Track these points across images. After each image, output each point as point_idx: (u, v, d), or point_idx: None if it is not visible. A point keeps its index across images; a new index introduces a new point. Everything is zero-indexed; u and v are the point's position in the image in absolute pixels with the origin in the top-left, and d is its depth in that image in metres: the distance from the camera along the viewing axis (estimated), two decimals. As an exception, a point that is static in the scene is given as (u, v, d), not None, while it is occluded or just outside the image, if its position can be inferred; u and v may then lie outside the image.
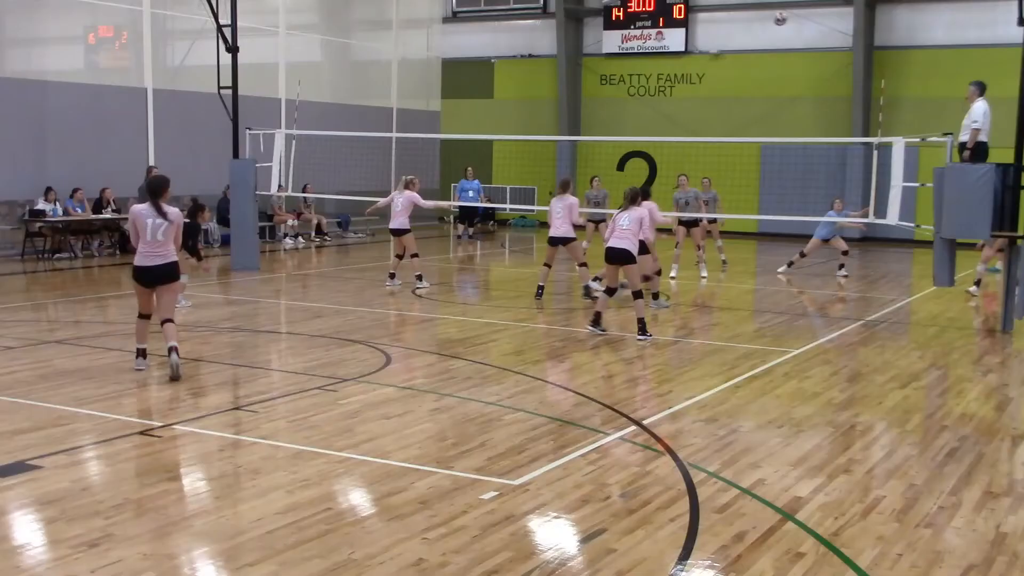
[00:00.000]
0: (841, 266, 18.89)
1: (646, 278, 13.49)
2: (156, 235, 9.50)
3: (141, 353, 9.89)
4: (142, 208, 9.59)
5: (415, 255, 16.08)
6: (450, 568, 5.29)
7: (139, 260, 9.57)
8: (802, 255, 18.95)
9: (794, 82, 27.70)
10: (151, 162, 20.77)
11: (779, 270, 19.21)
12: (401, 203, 16.05)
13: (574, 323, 13.33)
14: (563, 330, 12.69)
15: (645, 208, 12.37)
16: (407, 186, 16.29)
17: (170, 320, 9.63)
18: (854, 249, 25.32)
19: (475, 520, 5.96)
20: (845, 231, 19.45)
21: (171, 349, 9.45)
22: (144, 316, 9.87)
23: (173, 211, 9.64)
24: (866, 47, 26.45)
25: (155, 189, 9.65)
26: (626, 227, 11.85)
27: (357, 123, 24.74)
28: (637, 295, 12.02)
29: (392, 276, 16.25)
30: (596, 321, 12.03)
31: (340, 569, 5.26)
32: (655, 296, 14.40)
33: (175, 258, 9.67)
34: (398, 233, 16.11)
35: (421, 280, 15.94)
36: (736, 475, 6.93)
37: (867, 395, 9.57)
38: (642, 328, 11.90)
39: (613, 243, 11.89)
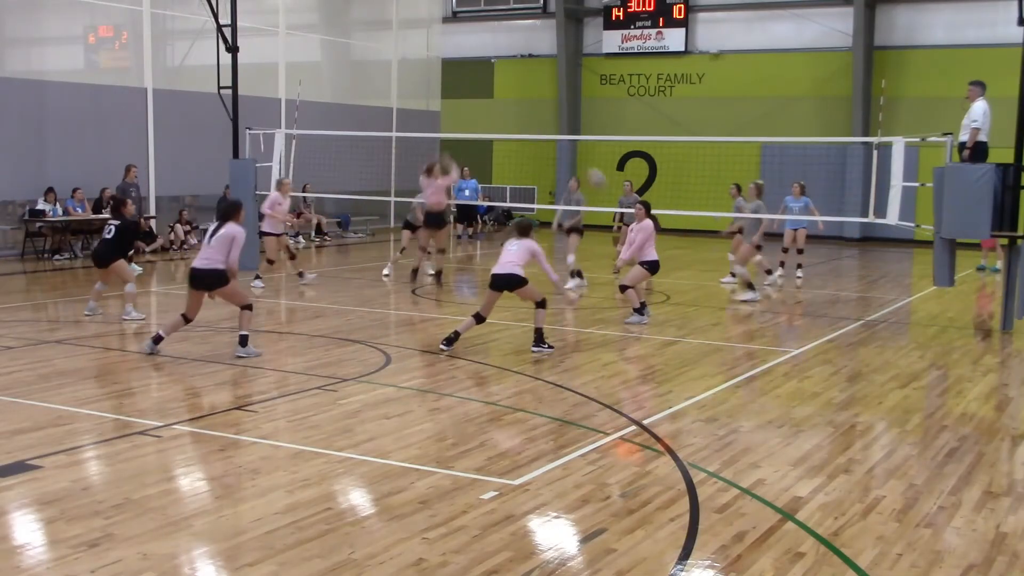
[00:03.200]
0: (799, 266, 18.15)
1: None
2: (208, 242, 10.52)
3: (155, 339, 10.65)
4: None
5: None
6: (450, 568, 5.29)
7: (194, 263, 10.64)
8: (784, 250, 18.44)
9: (794, 82, 27.71)
10: (151, 162, 20.80)
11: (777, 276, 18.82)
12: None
13: (574, 323, 13.34)
14: (563, 330, 12.69)
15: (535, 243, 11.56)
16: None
17: (246, 308, 10.66)
18: (853, 249, 25.37)
19: (475, 520, 5.96)
20: (800, 223, 18.08)
21: (241, 338, 10.59)
22: (184, 316, 10.66)
23: (231, 226, 10.49)
24: (866, 47, 26.45)
25: (226, 213, 10.66)
26: (514, 251, 11.30)
27: (357, 123, 24.73)
28: (540, 304, 11.23)
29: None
30: (539, 339, 11.24)
31: (340, 569, 5.26)
32: (642, 308, 13.33)
33: (220, 267, 10.40)
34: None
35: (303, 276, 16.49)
36: (736, 475, 6.93)
37: (867, 395, 9.57)
38: (539, 339, 11.19)
39: (498, 270, 11.28)
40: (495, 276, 11.27)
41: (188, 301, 10.69)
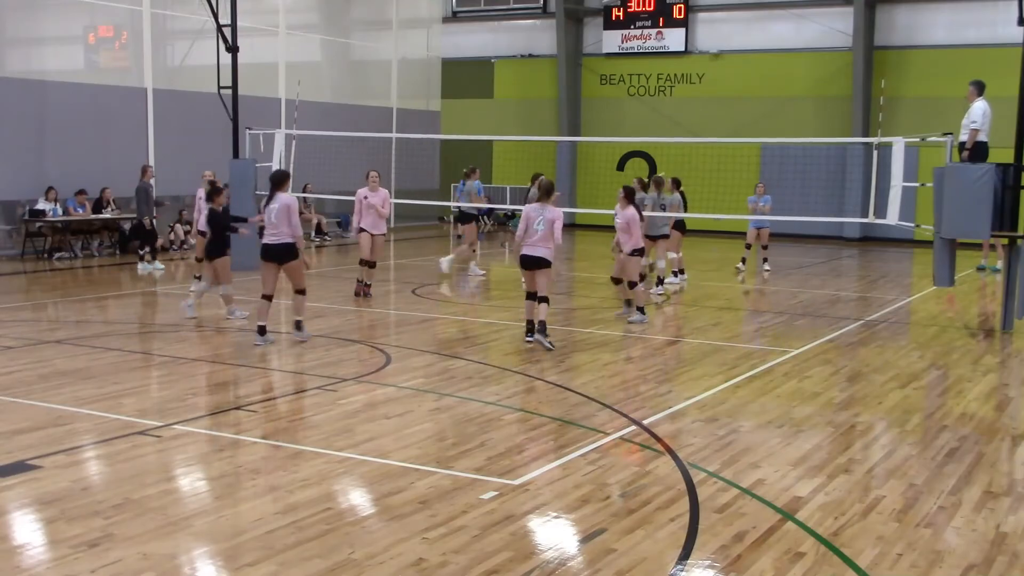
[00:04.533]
0: (764, 260, 19.04)
1: (631, 284, 13.26)
2: (271, 218, 11.08)
3: (260, 331, 11.13)
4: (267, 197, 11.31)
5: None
6: (450, 568, 5.29)
7: (263, 239, 11.27)
8: (748, 247, 19.25)
9: (794, 82, 27.71)
10: (151, 162, 20.79)
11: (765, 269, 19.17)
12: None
13: (573, 323, 13.33)
14: (563, 330, 12.68)
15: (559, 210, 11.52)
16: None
17: (300, 292, 11.38)
18: (853, 249, 25.38)
19: (475, 520, 5.96)
20: (763, 223, 18.75)
21: (297, 323, 11.34)
22: (265, 297, 11.16)
23: (284, 196, 11.15)
24: (866, 47, 26.45)
25: (275, 181, 11.31)
26: (542, 231, 11.24)
27: (357, 123, 24.73)
28: (541, 300, 11.36)
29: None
30: (532, 330, 11.43)
31: (340, 569, 5.26)
32: (642, 308, 13.30)
33: (289, 239, 11.08)
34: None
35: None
36: (736, 475, 6.93)
37: (867, 395, 9.57)
38: (542, 329, 11.31)
39: (528, 251, 11.33)
40: (524, 257, 11.47)
41: (264, 278, 11.22)
